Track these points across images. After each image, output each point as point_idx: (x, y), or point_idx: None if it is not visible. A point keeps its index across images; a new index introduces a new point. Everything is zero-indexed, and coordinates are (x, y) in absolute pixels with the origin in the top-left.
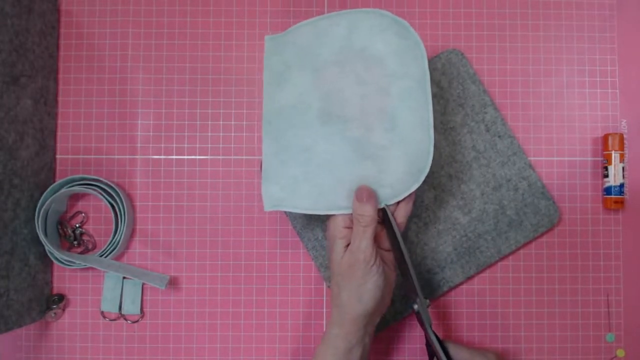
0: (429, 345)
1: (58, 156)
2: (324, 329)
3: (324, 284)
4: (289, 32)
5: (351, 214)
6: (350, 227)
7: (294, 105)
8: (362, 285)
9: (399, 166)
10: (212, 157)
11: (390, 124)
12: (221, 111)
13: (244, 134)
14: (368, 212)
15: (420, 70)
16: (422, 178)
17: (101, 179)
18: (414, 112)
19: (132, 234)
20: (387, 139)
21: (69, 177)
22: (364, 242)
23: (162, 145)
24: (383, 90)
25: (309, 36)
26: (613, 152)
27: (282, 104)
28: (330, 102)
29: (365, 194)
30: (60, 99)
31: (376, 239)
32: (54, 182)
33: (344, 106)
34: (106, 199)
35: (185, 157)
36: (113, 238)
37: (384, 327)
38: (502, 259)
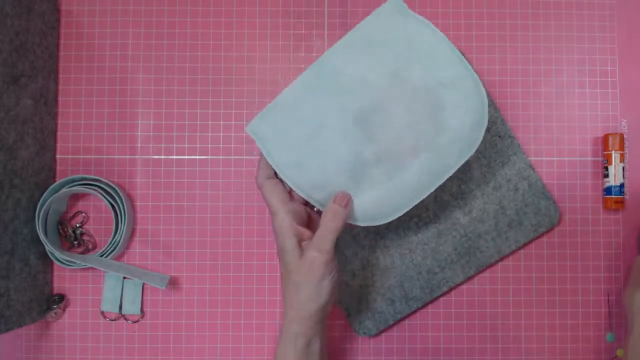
0: None
1: (58, 156)
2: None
3: None
4: (413, 15)
5: (287, 207)
6: (296, 224)
7: (353, 81)
8: (320, 283)
9: (372, 200)
10: (212, 157)
11: (400, 167)
12: (221, 111)
13: (244, 134)
14: (342, 218)
15: (460, 161)
16: (376, 223)
17: (101, 179)
18: (428, 178)
19: (132, 234)
20: (385, 177)
21: (69, 177)
22: (328, 244)
23: (162, 145)
24: (417, 141)
25: (414, 40)
26: (613, 152)
27: (346, 69)
28: (375, 110)
29: (346, 199)
30: (60, 99)
31: None
32: (54, 182)
33: (382, 126)
34: (106, 199)
35: (185, 157)
36: (113, 238)
37: (384, 327)
38: (502, 259)
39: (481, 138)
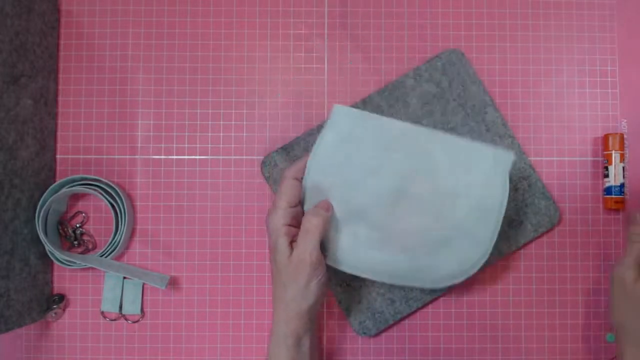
0: None
1: (58, 156)
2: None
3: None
4: (505, 174)
5: (289, 209)
6: (290, 225)
7: (427, 166)
8: (307, 286)
9: (344, 246)
10: (212, 157)
11: (382, 247)
12: (221, 111)
13: (244, 134)
14: (322, 218)
15: (420, 286)
16: (333, 265)
17: (101, 179)
18: (393, 273)
19: (132, 234)
20: (367, 241)
21: (69, 177)
22: (311, 244)
23: (162, 145)
24: (410, 245)
25: (486, 189)
26: (613, 152)
27: (432, 154)
28: (413, 198)
29: (327, 205)
30: (60, 99)
31: None
32: (54, 182)
33: (402, 209)
34: (106, 199)
35: (185, 157)
36: (113, 238)
37: (384, 327)
38: (502, 259)
39: (447, 286)
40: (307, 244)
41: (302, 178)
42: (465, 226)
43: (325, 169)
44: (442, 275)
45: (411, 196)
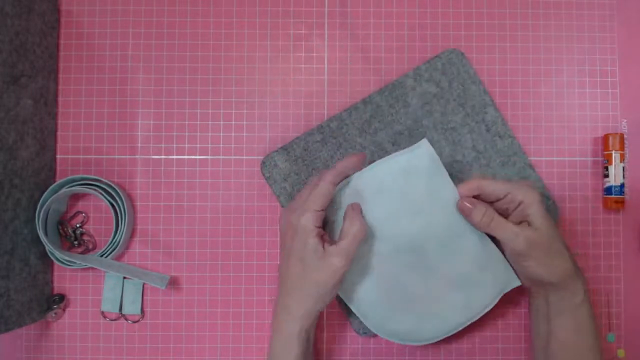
0: None
1: (58, 156)
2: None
3: None
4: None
5: (320, 212)
6: (320, 227)
7: (454, 219)
8: (335, 286)
9: (357, 281)
10: (212, 157)
11: (376, 292)
12: (221, 111)
13: (244, 134)
14: (364, 230)
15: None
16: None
17: (101, 179)
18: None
19: (132, 234)
20: (362, 285)
21: (69, 177)
22: (352, 254)
23: (162, 145)
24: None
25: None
26: (613, 152)
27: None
28: (419, 256)
29: (360, 208)
30: (60, 99)
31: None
32: (54, 182)
33: (411, 260)
34: (106, 199)
35: (185, 157)
36: (113, 238)
37: None
38: None
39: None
40: (348, 253)
41: (337, 183)
42: (441, 310)
43: (375, 185)
44: (391, 330)
45: (421, 255)
